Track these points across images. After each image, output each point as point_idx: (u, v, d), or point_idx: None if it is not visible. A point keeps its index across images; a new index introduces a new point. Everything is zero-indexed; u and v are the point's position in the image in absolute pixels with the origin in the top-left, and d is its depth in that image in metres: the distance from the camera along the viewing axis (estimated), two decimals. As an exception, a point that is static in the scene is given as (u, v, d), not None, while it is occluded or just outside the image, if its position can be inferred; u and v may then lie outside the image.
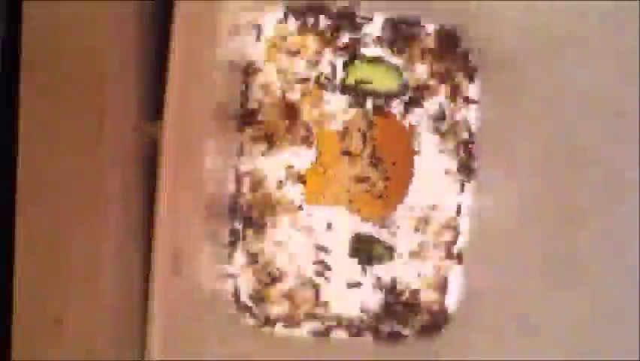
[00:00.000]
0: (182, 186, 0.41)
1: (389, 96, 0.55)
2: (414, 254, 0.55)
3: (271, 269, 0.54)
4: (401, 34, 0.55)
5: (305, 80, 0.55)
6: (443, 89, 0.56)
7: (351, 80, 0.55)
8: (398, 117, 0.55)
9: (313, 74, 0.55)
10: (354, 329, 0.55)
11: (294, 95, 0.54)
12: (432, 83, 0.56)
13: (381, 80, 0.55)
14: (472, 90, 0.56)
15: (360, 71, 0.55)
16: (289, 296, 0.54)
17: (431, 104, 0.55)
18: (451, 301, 0.55)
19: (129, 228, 0.40)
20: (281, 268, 0.54)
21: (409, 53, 0.55)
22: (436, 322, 0.55)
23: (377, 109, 0.55)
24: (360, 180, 0.55)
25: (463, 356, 0.51)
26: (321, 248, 0.55)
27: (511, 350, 0.46)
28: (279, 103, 0.54)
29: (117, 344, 0.39)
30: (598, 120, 0.45)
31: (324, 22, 0.55)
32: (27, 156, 0.36)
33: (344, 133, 0.55)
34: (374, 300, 0.55)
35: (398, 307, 0.55)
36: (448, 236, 0.55)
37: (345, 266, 0.55)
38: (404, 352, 0.54)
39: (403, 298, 0.55)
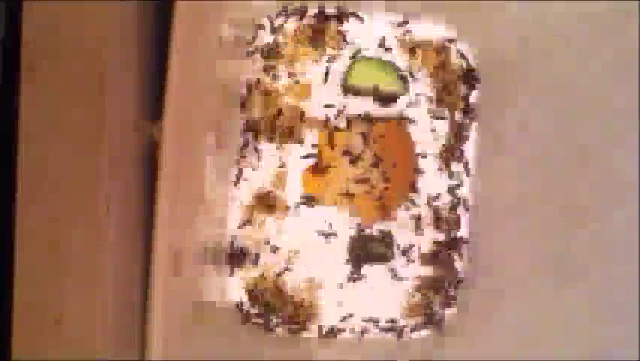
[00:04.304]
0: (182, 187, 0.41)
1: (390, 97, 0.55)
2: (414, 255, 0.55)
3: (270, 269, 0.54)
4: (402, 36, 0.55)
5: (306, 81, 0.55)
6: (443, 90, 0.56)
7: (353, 81, 0.55)
8: (398, 118, 0.55)
9: (315, 74, 0.55)
10: (355, 328, 0.55)
11: (295, 96, 0.54)
12: (432, 83, 0.56)
13: (383, 82, 0.55)
14: (472, 90, 0.56)
15: (362, 72, 0.55)
16: (289, 296, 0.54)
17: (432, 105, 0.55)
18: (451, 301, 0.55)
19: (129, 228, 0.40)
20: (280, 268, 0.54)
21: (410, 54, 0.55)
22: (437, 321, 0.55)
23: (378, 110, 0.55)
24: (361, 181, 0.55)
25: (462, 356, 0.51)
26: (321, 249, 0.55)
27: (511, 350, 0.46)
28: (280, 103, 0.54)
29: (117, 344, 0.39)
30: (598, 120, 0.45)
31: (326, 22, 0.55)
32: (27, 156, 0.36)
33: (345, 133, 0.55)
34: (375, 300, 0.55)
35: (399, 306, 0.55)
36: (447, 237, 0.55)
37: (345, 267, 0.55)
38: (405, 351, 0.54)
39: (404, 297, 0.55)
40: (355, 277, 0.55)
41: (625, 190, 0.42)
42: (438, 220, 0.55)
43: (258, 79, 0.54)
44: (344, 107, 0.55)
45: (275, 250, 0.54)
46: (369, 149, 0.55)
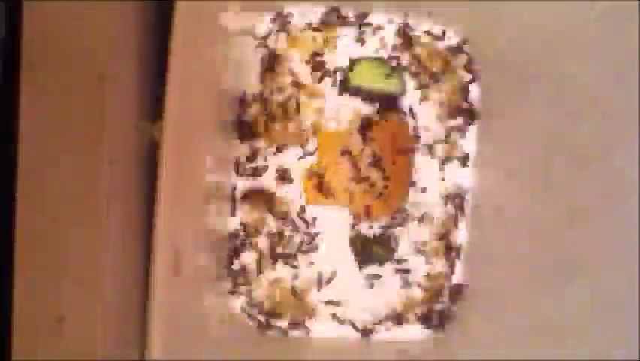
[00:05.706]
0: (182, 187, 0.41)
1: (390, 97, 0.55)
2: (414, 254, 0.55)
3: (270, 270, 0.54)
4: (403, 36, 0.55)
5: (306, 80, 0.55)
6: (443, 90, 0.56)
7: (352, 81, 0.55)
8: (398, 118, 0.55)
9: (315, 75, 0.55)
10: (356, 329, 0.55)
11: (294, 95, 0.54)
12: (432, 83, 0.56)
13: (382, 81, 0.55)
14: (472, 90, 0.56)
15: (362, 72, 0.55)
16: (288, 297, 0.54)
17: (431, 105, 0.56)
18: (452, 301, 0.55)
19: (129, 228, 0.40)
20: (280, 268, 0.54)
21: (411, 54, 0.55)
22: (437, 321, 0.55)
23: (377, 109, 0.55)
24: (360, 180, 0.55)
25: (462, 356, 0.51)
26: (322, 248, 0.55)
27: (511, 350, 0.46)
28: (279, 103, 0.54)
29: (117, 344, 0.39)
30: (598, 120, 0.45)
31: (326, 22, 0.55)
32: (27, 156, 0.36)
33: (344, 133, 0.55)
34: (375, 301, 0.55)
35: (399, 306, 0.55)
36: (448, 236, 0.55)
37: (346, 267, 0.55)
38: (405, 351, 0.54)
39: (404, 297, 0.55)
40: (355, 277, 0.55)
41: (625, 190, 0.42)
42: (437, 219, 0.55)
43: (258, 79, 0.54)
44: (344, 106, 0.55)
45: (275, 250, 0.54)
46: (369, 148, 0.55)
